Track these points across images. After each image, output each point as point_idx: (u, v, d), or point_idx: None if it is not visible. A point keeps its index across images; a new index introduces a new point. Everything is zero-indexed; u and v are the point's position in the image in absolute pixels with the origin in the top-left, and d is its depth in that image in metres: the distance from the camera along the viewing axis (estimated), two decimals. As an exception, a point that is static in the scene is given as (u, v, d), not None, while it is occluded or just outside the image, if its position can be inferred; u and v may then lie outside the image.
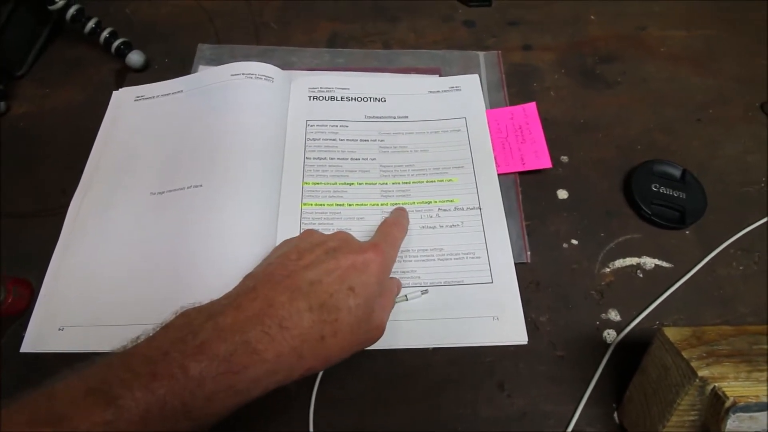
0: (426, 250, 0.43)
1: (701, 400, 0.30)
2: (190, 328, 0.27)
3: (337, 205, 0.45)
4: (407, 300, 0.40)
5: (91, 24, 0.53)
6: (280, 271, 0.31)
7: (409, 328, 0.39)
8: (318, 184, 0.46)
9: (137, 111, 0.50)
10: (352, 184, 0.46)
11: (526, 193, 0.46)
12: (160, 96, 0.51)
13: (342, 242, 0.34)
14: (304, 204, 0.44)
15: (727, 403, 0.28)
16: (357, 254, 0.33)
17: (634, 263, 0.43)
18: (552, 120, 0.51)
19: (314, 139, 0.48)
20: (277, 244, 0.41)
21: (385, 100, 0.51)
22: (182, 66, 0.54)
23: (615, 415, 0.37)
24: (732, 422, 0.28)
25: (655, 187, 0.46)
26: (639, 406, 0.34)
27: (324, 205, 0.45)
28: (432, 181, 0.46)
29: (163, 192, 0.44)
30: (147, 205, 0.44)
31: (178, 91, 0.51)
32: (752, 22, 0.59)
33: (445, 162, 0.47)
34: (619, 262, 0.43)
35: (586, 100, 0.53)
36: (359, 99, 0.51)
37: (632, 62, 0.56)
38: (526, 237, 0.44)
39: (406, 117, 0.50)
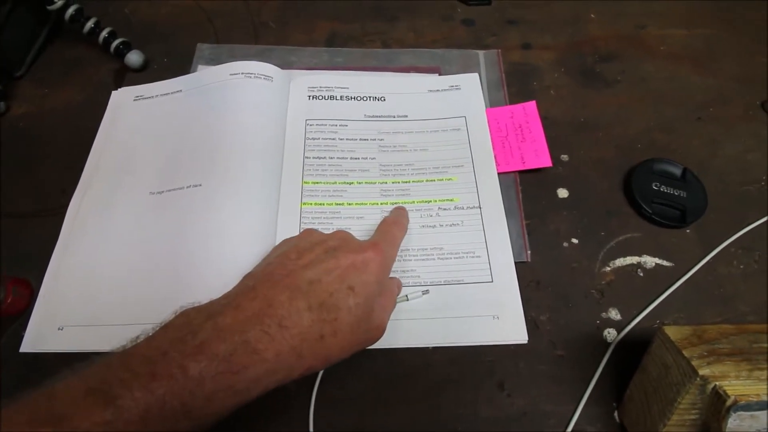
0: (426, 249, 0.43)
1: (702, 398, 0.30)
2: (189, 328, 0.27)
3: (337, 204, 0.45)
4: (408, 300, 0.40)
5: (90, 24, 0.53)
6: (280, 270, 0.31)
7: (409, 328, 0.39)
8: (317, 183, 0.46)
9: (136, 111, 0.50)
10: (352, 183, 0.46)
11: (526, 192, 0.46)
12: (160, 96, 0.51)
13: (341, 241, 0.34)
14: (304, 203, 0.44)
15: (728, 402, 0.28)
16: (356, 253, 0.33)
17: (635, 262, 0.43)
18: (552, 119, 0.51)
19: (314, 139, 0.48)
20: (277, 243, 0.41)
21: (384, 99, 0.51)
22: (181, 66, 0.54)
23: (615, 414, 0.37)
24: (733, 421, 0.28)
25: (656, 185, 0.46)
26: (639, 405, 0.34)
27: (323, 204, 0.45)
28: (432, 180, 0.46)
29: (163, 191, 0.44)
30: (146, 205, 0.44)
31: (177, 91, 0.51)
32: (752, 21, 0.59)
33: (445, 161, 0.47)
34: (620, 261, 0.43)
35: (586, 99, 0.53)
36: (359, 98, 0.51)
37: (632, 61, 0.56)
38: (526, 236, 0.44)
39: (406, 116, 0.50)
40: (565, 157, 0.49)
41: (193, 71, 0.53)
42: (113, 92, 0.52)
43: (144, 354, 0.26)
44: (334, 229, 0.37)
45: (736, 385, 0.29)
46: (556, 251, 0.44)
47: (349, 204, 0.45)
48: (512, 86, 0.53)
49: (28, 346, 0.38)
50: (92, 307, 0.39)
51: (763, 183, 0.48)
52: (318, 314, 0.29)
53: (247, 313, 0.28)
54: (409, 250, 0.42)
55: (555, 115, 0.51)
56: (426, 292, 0.40)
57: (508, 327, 0.39)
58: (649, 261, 0.43)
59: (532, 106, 0.51)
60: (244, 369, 0.26)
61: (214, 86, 0.49)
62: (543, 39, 0.57)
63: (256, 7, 0.60)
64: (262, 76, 0.49)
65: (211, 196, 0.43)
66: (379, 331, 0.34)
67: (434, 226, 0.44)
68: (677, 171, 0.47)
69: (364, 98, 0.51)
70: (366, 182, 0.46)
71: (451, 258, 0.42)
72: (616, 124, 0.51)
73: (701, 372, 0.29)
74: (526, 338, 0.39)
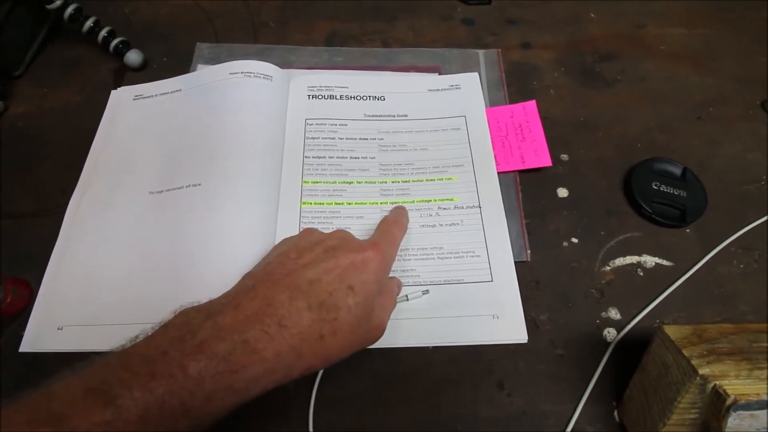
0: (426, 248, 0.43)
1: (702, 398, 0.30)
2: (188, 328, 0.27)
3: (337, 203, 0.45)
4: (408, 300, 0.40)
5: (89, 23, 0.53)
6: (279, 270, 0.31)
7: (408, 327, 0.39)
8: (317, 182, 0.46)
9: (136, 110, 0.50)
10: (352, 182, 0.46)
11: (525, 192, 0.46)
12: (159, 95, 0.51)
13: (341, 241, 0.34)
14: (304, 203, 0.44)
15: (728, 401, 0.28)
16: (356, 253, 0.33)
17: (635, 261, 0.43)
18: (552, 118, 0.51)
19: (313, 138, 0.48)
20: (276, 242, 0.41)
21: (384, 99, 0.51)
22: (181, 65, 0.54)
23: (615, 413, 0.37)
24: (733, 420, 0.28)
25: (656, 185, 0.46)
26: (639, 404, 0.34)
27: (323, 203, 0.45)
28: (432, 180, 0.46)
29: (162, 191, 0.44)
30: (146, 205, 0.44)
31: (177, 90, 0.51)
32: (752, 21, 0.59)
33: (445, 160, 0.47)
34: (620, 261, 0.43)
35: (585, 99, 0.53)
36: (358, 97, 0.51)
37: (632, 61, 0.56)
38: (525, 235, 0.44)
39: (406, 115, 0.50)
40: (564, 157, 0.49)
41: (193, 70, 0.53)
42: (112, 92, 0.52)
43: (143, 353, 0.26)
44: (334, 229, 0.37)
45: (736, 384, 0.29)
46: (555, 251, 0.44)
47: (349, 203, 0.45)
48: (512, 86, 0.53)
49: (27, 345, 0.38)
50: (91, 306, 0.39)
51: (762, 182, 0.48)
52: (318, 314, 0.29)
53: (247, 313, 0.28)
54: (408, 249, 0.42)
55: (555, 114, 0.51)
56: (426, 292, 0.40)
57: (508, 326, 0.39)
58: (649, 260, 0.43)
59: (532, 105, 0.51)
60: (244, 368, 0.26)
61: (213, 85, 0.49)
62: (543, 38, 0.57)
63: (255, 7, 0.59)
64: (262, 76, 0.49)
65: (211, 195, 0.43)
66: (379, 331, 0.34)
67: (434, 226, 0.44)
68: (677, 170, 0.47)
69: (364, 98, 0.51)
70: (366, 182, 0.46)
71: (450, 257, 0.42)
72: (616, 123, 0.51)
73: (701, 371, 0.29)
74: (526, 338, 0.39)
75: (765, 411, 0.28)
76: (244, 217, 0.42)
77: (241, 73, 0.49)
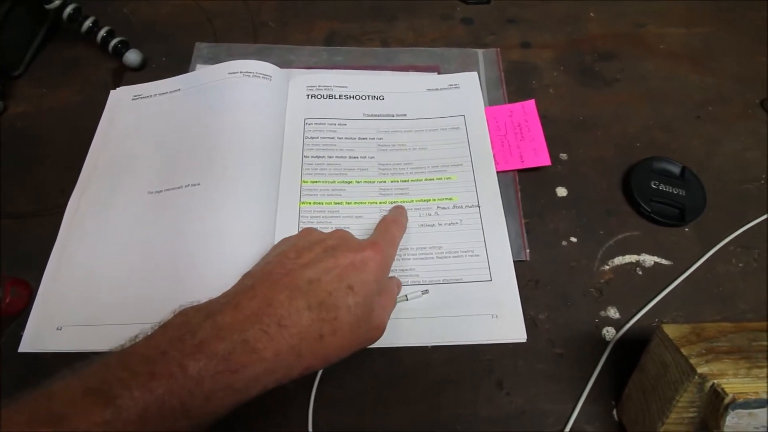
0: (425, 248, 0.43)
1: (700, 397, 0.30)
2: (188, 327, 0.27)
3: (336, 203, 0.45)
4: (407, 300, 0.40)
5: (88, 23, 0.53)
6: (279, 269, 0.31)
7: (408, 326, 0.39)
8: (316, 182, 0.46)
9: (135, 110, 0.50)
10: (351, 182, 0.46)
11: (525, 191, 0.46)
12: (158, 95, 0.51)
13: (341, 240, 0.34)
14: (303, 202, 0.44)
15: (726, 400, 0.28)
16: (356, 252, 0.33)
17: (634, 261, 0.43)
18: (551, 118, 0.51)
19: (312, 138, 0.48)
20: (276, 242, 0.41)
21: (383, 98, 0.51)
22: (180, 65, 0.54)
23: (614, 412, 0.37)
24: (731, 419, 0.28)
25: (655, 184, 0.46)
26: (638, 403, 0.34)
27: (322, 203, 0.45)
28: (431, 179, 0.46)
29: (161, 191, 0.44)
30: (145, 204, 0.44)
31: (176, 90, 0.51)
32: (751, 21, 0.59)
33: (444, 160, 0.47)
34: (619, 260, 0.43)
35: (585, 98, 0.53)
36: (357, 97, 0.51)
37: (631, 60, 0.56)
38: (525, 235, 0.44)
39: (405, 115, 0.50)
40: (564, 156, 0.49)
41: (192, 70, 0.53)
42: (112, 91, 0.52)
43: (143, 353, 0.26)
44: (333, 228, 0.37)
45: (735, 383, 0.29)
46: (555, 250, 0.44)
47: (348, 203, 0.45)
48: (511, 85, 0.53)
49: (27, 346, 0.38)
50: (91, 306, 0.39)
51: (762, 181, 0.48)
52: (317, 313, 0.29)
53: (246, 312, 0.28)
54: (407, 249, 0.42)
55: (554, 113, 0.51)
56: (425, 292, 0.40)
57: (507, 326, 0.39)
58: (648, 259, 0.43)
59: (531, 104, 0.51)
60: (243, 368, 0.26)
61: (212, 85, 0.49)
62: (542, 38, 0.57)
63: (255, 7, 0.59)
64: (261, 75, 0.49)
65: (210, 195, 0.43)
66: (379, 331, 0.34)
67: (433, 225, 0.44)
68: (676, 170, 0.47)
69: (363, 97, 0.51)
70: (365, 181, 0.46)
71: (449, 257, 0.42)
72: (616, 122, 0.51)
73: (699, 370, 0.29)
74: (525, 337, 0.39)
75: (763, 410, 0.28)
76: (243, 217, 0.42)
77: (240, 72, 0.49)
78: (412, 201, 0.45)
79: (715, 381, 0.29)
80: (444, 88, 0.52)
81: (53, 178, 0.47)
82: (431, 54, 0.55)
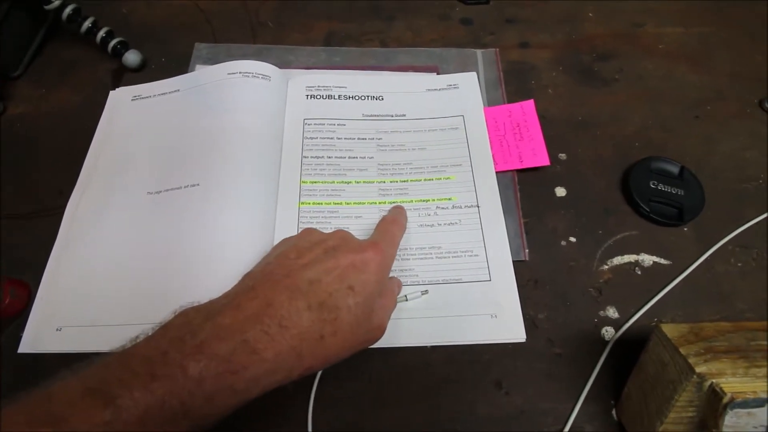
0: (424, 248, 0.43)
1: (699, 396, 0.30)
2: (189, 328, 0.27)
3: (335, 203, 0.45)
4: (407, 300, 0.40)
5: (87, 24, 0.53)
6: (279, 270, 0.31)
7: (407, 327, 0.39)
8: (315, 182, 0.46)
9: (134, 111, 0.50)
10: (350, 182, 0.46)
11: (524, 191, 0.46)
12: (157, 95, 0.51)
13: (341, 241, 0.34)
14: (302, 203, 0.44)
15: (725, 399, 0.28)
16: (356, 253, 0.33)
17: (632, 260, 0.43)
18: (550, 118, 0.51)
19: (312, 138, 0.48)
20: (275, 242, 0.41)
21: (382, 99, 0.51)
22: (179, 65, 0.54)
23: (613, 412, 0.37)
24: (730, 418, 0.28)
25: (653, 184, 0.46)
26: (637, 403, 0.34)
27: (322, 203, 0.45)
28: (430, 179, 0.46)
29: (160, 191, 0.44)
30: (144, 205, 0.44)
31: (175, 91, 0.51)
32: (749, 20, 0.59)
33: (443, 160, 0.47)
34: (617, 260, 0.43)
35: (583, 98, 0.53)
36: (357, 97, 0.51)
37: (629, 60, 0.56)
38: (524, 235, 0.44)
39: (404, 115, 0.50)
40: (562, 156, 0.49)
41: (191, 71, 0.53)
42: (111, 92, 0.52)
43: (144, 354, 0.26)
44: (332, 229, 0.37)
45: (733, 382, 0.29)
46: (553, 250, 0.44)
47: (347, 203, 0.45)
48: (510, 85, 0.53)
49: (26, 346, 0.38)
50: (90, 307, 0.39)
51: (760, 181, 0.48)
52: (318, 314, 0.29)
53: (247, 313, 0.28)
54: (407, 249, 0.42)
55: (553, 113, 0.51)
56: (425, 292, 0.40)
57: (506, 326, 0.39)
58: (647, 259, 0.43)
59: (530, 104, 0.51)
60: (244, 369, 0.26)
61: (211, 86, 0.49)
62: (541, 38, 0.58)
63: (253, 7, 0.59)
64: (260, 76, 0.49)
65: (209, 195, 0.43)
66: (380, 331, 0.34)
67: (432, 225, 0.44)
68: (675, 169, 0.47)
69: (362, 97, 0.51)
70: (364, 181, 0.46)
71: (449, 257, 0.42)
72: (614, 122, 0.51)
73: (698, 369, 0.29)
74: (524, 337, 0.39)
75: (761, 409, 0.28)
76: (242, 217, 0.42)
77: (240, 73, 0.49)
78: (412, 201, 0.45)
79: (714, 380, 0.29)
80: (443, 89, 0.52)
81: (52, 178, 0.47)
82: (430, 54, 0.56)
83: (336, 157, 0.47)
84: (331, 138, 0.48)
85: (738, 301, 0.42)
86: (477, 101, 0.51)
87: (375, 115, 0.50)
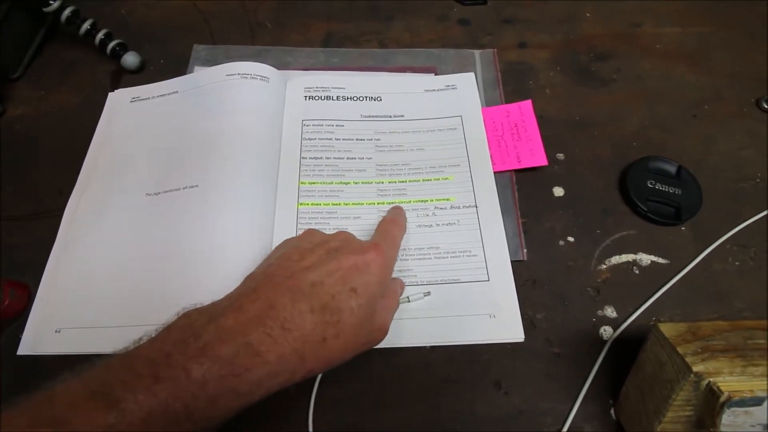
0: (422, 248, 0.43)
1: (696, 395, 0.30)
2: (191, 330, 0.27)
3: (334, 204, 0.45)
4: (409, 302, 0.40)
5: (86, 26, 0.53)
6: (281, 272, 0.31)
7: (407, 327, 0.39)
8: (314, 183, 0.46)
9: (133, 112, 0.50)
10: (349, 183, 0.46)
11: (522, 191, 0.47)
12: (156, 97, 0.51)
13: (343, 242, 0.34)
14: (301, 204, 0.45)
15: (722, 398, 0.28)
16: (358, 255, 0.33)
17: (630, 260, 0.44)
18: (547, 118, 0.51)
19: (310, 139, 0.48)
20: (274, 243, 0.41)
21: (380, 99, 0.51)
22: (177, 67, 0.54)
23: (612, 411, 0.37)
24: (727, 417, 0.28)
25: (651, 183, 0.46)
26: (635, 402, 0.35)
27: (320, 204, 0.45)
28: (428, 180, 0.46)
29: (159, 193, 0.44)
30: (143, 206, 0.44)
31: (174, 92, 0.51)
32: (747, 19, 0.59)
33: (441, 160, 0.47)
34: (615, 259, 0.44)
35: (581, 98, 0.53)
36: (355, 98, 0.51)
37: (627, 59, 0.56)
38: (522, 235, 0.44)
39: (402, 116, 0.51)
40: (560, 156, 0.49)
41: (190, 72, 0.53)
42: (110, 94, 0.52)
43: (147, 356, 0.26)
44: (331, 229, 0.37)
45: (730, 381, 0.29)
46: (552, 250, 0.44)
47: (346, 204, 0.45)
48: (508, 85, 0.53)
49: (26, 348, 0.38)
50: (90, 309, 0.39)
51: (758, 180, 0.48)
52: (320, 316, 0.29)
53: (249, 315, 0.28)
54: (405, 249, 0.43)
55: (551, 113, 0.52)
56: (428, 294, 0.40)
57: (505, 326, 0.39)
58: (645, 258, 0.44)
59: (527, 105, 0.51)
60: (247, 371, 0.26)
61: (210, 87, 0.49)
62: (538, 38, 0.58)
63: (252, 8, 0.60)
64: (259, 77, 0.49)
65: (208, 196, 0.43)
66: (382, 333, 0.34)
67: (431, 226, 0.44)
68: (672, 169, 0.48)
69: (361, 98, 0.51)
70: (363, 182, 0.46)
71: (447, 257, 0.42)
72: (612, 122, 0.51)
73: (695, 368, 0.29)
74: (523, 337, 0.39)
75: (759, 407, 0.28)
76: (241, 218, 0.42)
77: (238, 74, 0.49)
78: (410, 201, 0.45)
79: (711, 379, 0.29)
80: (441, 89, 0.52)
81: (51, 180, 0.47)
82: (428, 55, 0.56)
83: (334, 158, 0.47)
84: (330, 139, 0.49)
85: (736, 300, 0.42)
86: (475, 102, 0.51)
87: (373, 116, 0.50)
